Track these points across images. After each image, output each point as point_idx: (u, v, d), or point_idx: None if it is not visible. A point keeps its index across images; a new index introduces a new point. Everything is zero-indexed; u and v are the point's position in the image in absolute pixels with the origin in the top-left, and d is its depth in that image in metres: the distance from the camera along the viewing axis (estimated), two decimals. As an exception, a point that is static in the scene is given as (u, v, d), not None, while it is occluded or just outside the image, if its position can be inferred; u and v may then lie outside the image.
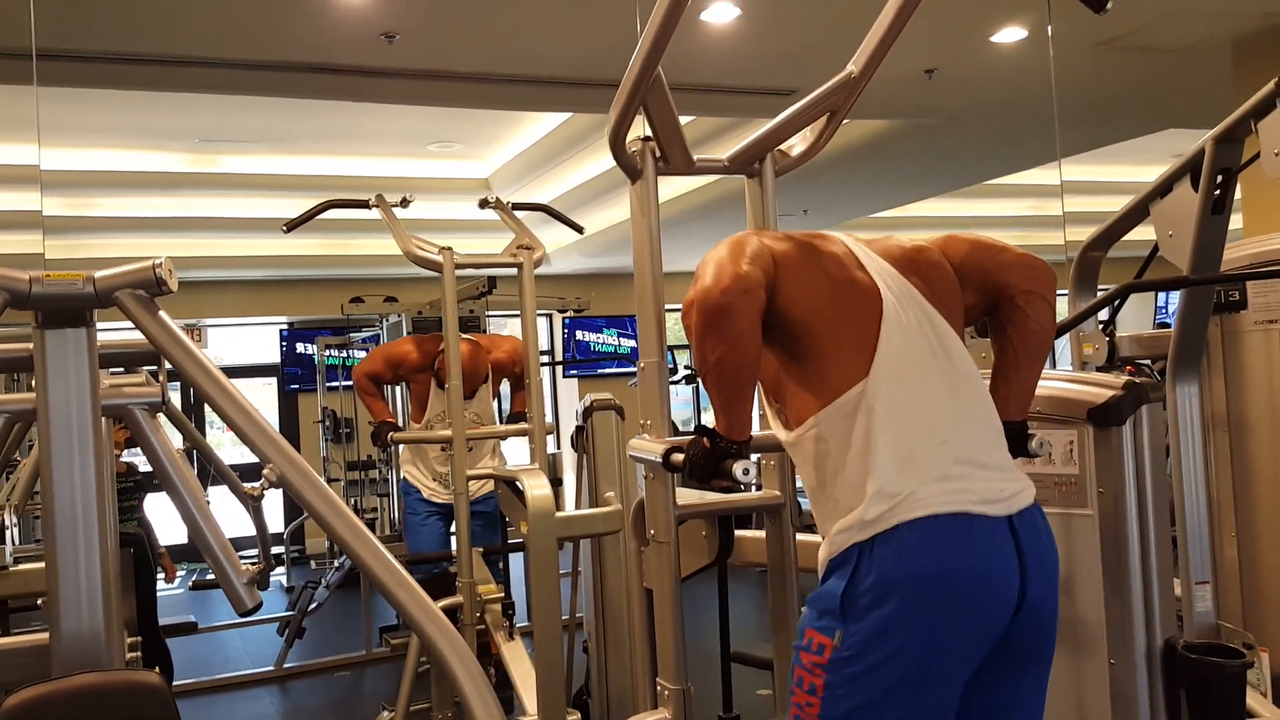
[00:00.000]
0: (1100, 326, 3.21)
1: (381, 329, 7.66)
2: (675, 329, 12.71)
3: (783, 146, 2.22)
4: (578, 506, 3.71)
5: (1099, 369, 3.15)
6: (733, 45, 4.43)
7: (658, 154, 2.05)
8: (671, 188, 7.72)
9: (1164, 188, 2.69)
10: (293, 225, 3.98)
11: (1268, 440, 2.97)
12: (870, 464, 1.51)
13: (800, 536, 2.31)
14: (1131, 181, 7.43)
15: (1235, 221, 5.03)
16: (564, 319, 10.78)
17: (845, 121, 6.99)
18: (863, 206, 9.07)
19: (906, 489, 1.49)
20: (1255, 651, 2.65)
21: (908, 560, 1.45)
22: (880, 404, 1.54)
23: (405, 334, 6.95)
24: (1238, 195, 4.74)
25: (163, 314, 1.53)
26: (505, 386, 5.00)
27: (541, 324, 11.44)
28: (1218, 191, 2.51)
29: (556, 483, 6.07)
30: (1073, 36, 4.28)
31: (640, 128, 2.02)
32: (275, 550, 8.16)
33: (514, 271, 3.64)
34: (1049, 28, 4.13)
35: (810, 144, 2.21)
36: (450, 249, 3.50)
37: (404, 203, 3.90)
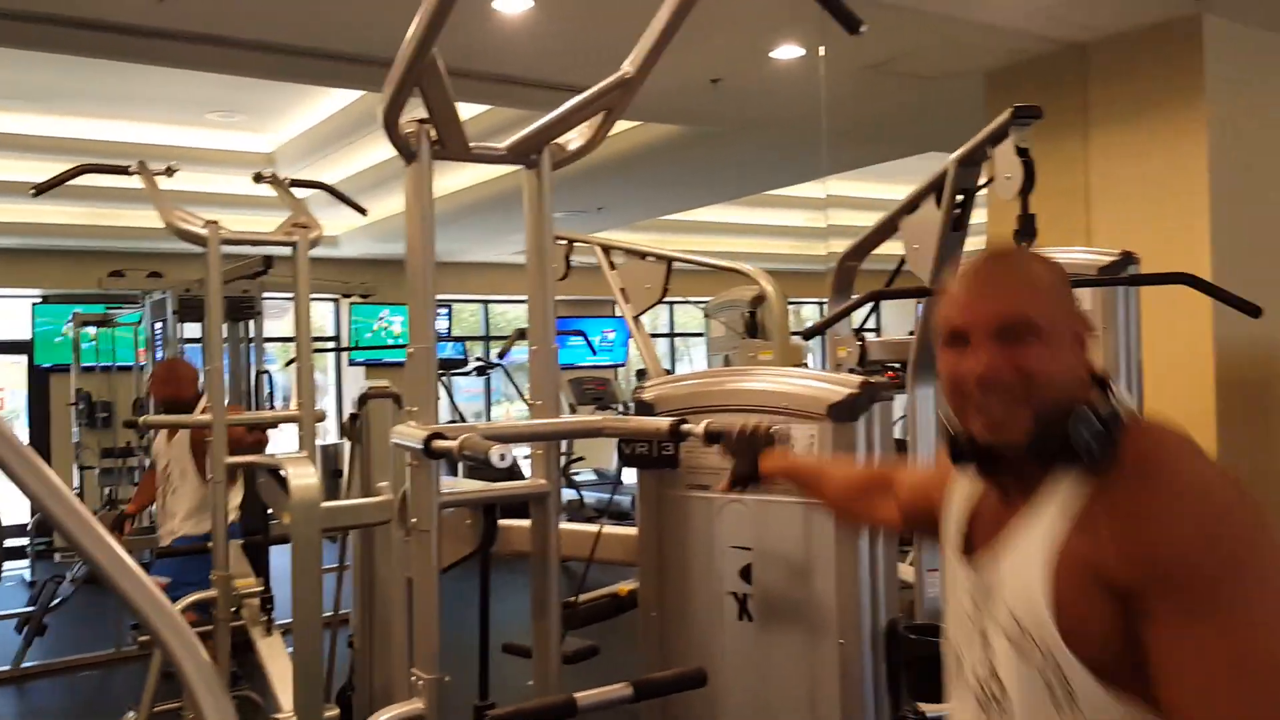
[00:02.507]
0: (853, 332, 3.44)
1: (144, 306, 7.19)
2: (471, 320, 12.66)
3: (561, 140, 2.25)
4: (348, 497, 3.62)
5: (851, 370, 3.38)
6: (525, 37, 4.44)
7: (433, 137, 2.04)
8: (470, 175, 7.66)
9: (911, 205, 2.90)
10: (42, 188, 3.69)
11: (994, 440, 3.25)
12: None
13: (564, 525, 2.36)
14: (896, 199, 7.96)
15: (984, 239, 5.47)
16: (350, 304, 10.46)
17: (638, 124, 7.13)
18: (654, 208, 9.29)
19: None
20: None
21: None
22: None
23: (171, 312, 6.58)
24: (984, 216, 5.18)
25: None
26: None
27: (326, 309, 11.08)
28: (958, 210, 2.72)
29: (337, 474, 5.88)
30: (843, 59, 4.55)
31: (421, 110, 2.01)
32: (17, 543, 7.53)
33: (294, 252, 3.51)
34: (821, 49, 4.37)
35: (588, 139, 2.26)
36: (216, 223, 3.33)
37: (169, 171, 3.69)
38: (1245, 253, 4.18)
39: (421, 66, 1.83)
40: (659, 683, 1.85)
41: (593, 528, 2.49)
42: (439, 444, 1.78)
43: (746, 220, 10.28)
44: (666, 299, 4.02)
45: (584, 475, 9.90)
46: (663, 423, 2.00)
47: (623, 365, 11.81)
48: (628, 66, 2.10)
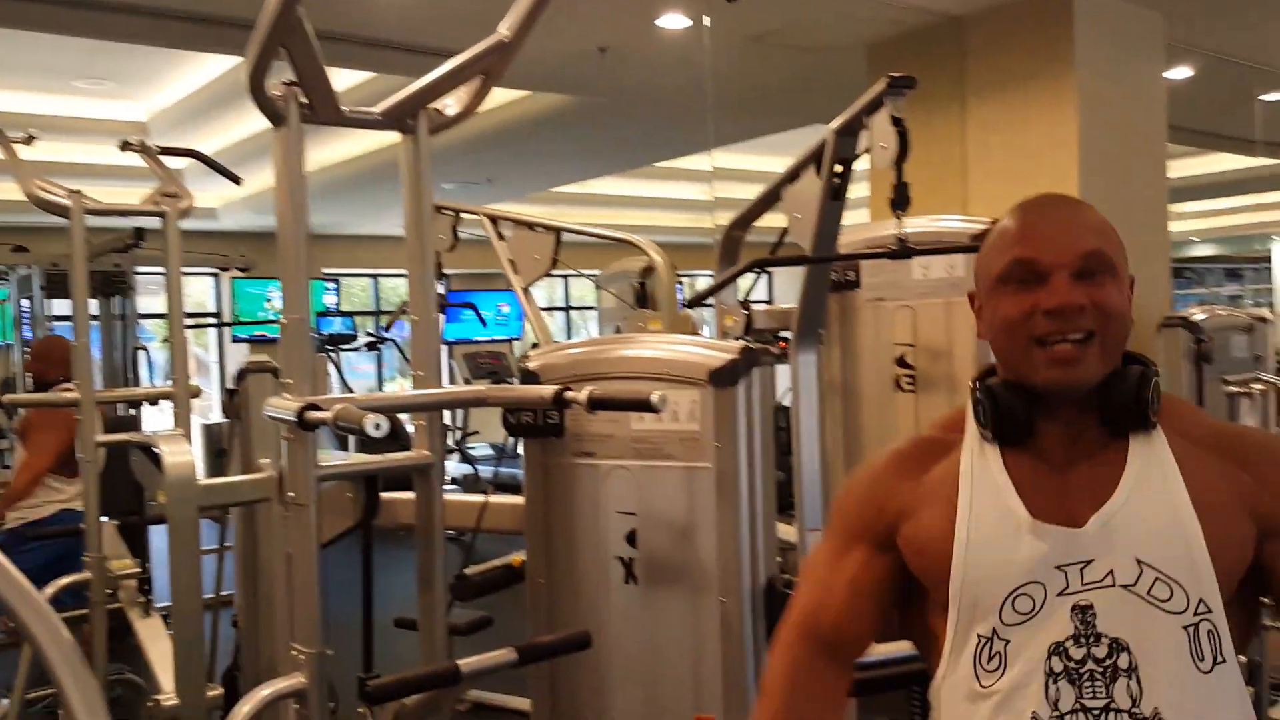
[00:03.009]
0: (740, 302, 3.49)
1: (10, 282, 6.84)
2: (361, 295, 12.37)
3: (438, 105, 2.21)
4: (228, 474, 3.53)
5: (738, 338, 3.43)
6: (402, 1, 4.34)
7: (303, 101, 1.98)
8: (357, 145, 7.47)
9: (793, 174, 2.95)
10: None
11: (874, 404, 3.35)
12: None
13: (450, 496, 2.34)
14: (781, 172, 8.09)
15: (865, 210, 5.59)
16: (231, 279, 10.13)
17: (527, 93, 7.03)
18: (545, 180, 9.23)
19: None
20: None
21: None
22: None
23: (38, 288, 6.28)
24: (868, 187, 5.29)
25: None
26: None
27: (208, 284, 10.71)
28: (837, 179, 2.77)
29: (223, 453, 5.71)
30: (729, 29, 4.58)
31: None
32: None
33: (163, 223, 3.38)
34: (706, 18, 4.39)
35: (466, 104, 2.23)
36: (79, 193, 3.18)
37: (28, 139, 3.51)
38: (1112, 220, 4.37)
39: (286, 27, 1.77)
40: (543, 647, 1.86)
41: (479, 498, 2.47)
42: (313, 415, 1.75)
43: (638, 193, 10.29)
44: (560, 272, 4.02)
45: (481, 449, 9.83)
46: (546, 390, 2.00)
47: (518, 339, 11.75)
48: (504, 30, 2.07)
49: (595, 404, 1.90)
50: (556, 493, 2.25)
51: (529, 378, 2.25)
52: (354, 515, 2.13)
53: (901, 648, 2.22)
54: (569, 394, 1.93)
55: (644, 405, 1.83)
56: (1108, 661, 1.09)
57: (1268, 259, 15.29)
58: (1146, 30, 4.69)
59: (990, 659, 1.13)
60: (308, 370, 1.95)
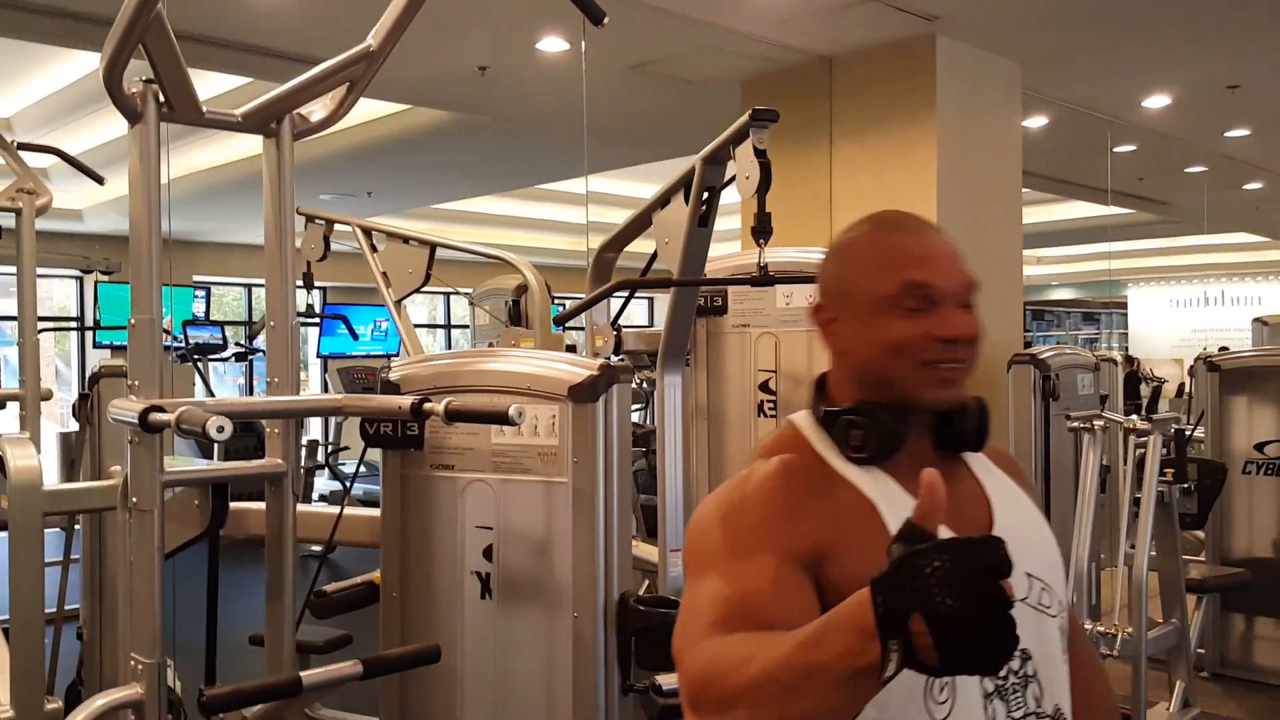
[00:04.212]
0: (610, 323, 3.53)
1: None
2: (234, 304, 11.97)
3: (303, 111, 2.20)
4: (77, 480, 3.39)
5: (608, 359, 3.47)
6: (273, 6, 4.27)
7: (161, 99, 1.95)
8: (232, 150, 7.27)
9: (663, 200, 3.02)
10: None
11: (738, 428, 3.43)
12: None
13: (301, 507, 2.31)
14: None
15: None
16: (96, 282, 9.70)
17: (407, 108, 6.95)
18: (426, 196, 9.16)
19: None
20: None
21: None
22: None
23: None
24: (739, 217, 5.41)
25: None
26: None
27: (70, 286, 10.22)
28: (704, 206, 2.85)
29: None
30: (607, 57, 4.65)
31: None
32: None
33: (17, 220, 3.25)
34: (583, 43, 4.45)
35: (331, 112, 2.22)
36: (-76, 185, 3.04)
37: None
38: (968, 260, 4.59)
39: (145, 23, 1.74)
40: (390, 660, 1.85)
41: (333, 509, 2.44)
42: (157, 417, 1.71)
43: (519, 213, 10.31)
44: (435, 288, 4.00)
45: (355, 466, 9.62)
46: (404, 401, 1.99)
47: (395, 355, 11.56)
48: (371, 39, 2.08)
49: (453, 415, 1.90)
50: (414, 505, 2.24)
51: (389, 388, 2.25)
52: (200, 524, 2.08)
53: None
54: (427, 405, 1.94)
55: (501, 418, 1.85)
56: (1021, 672, 1.12)
57: (1124, 305, 16.20)
58: (1005, 79, 4.96)
59: (941, 690, 1.09)
60: (155, 373, 1.91)
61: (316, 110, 2.20)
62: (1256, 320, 8.07)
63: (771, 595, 1.06)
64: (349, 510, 2.40)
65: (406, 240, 4.08)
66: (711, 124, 2.67)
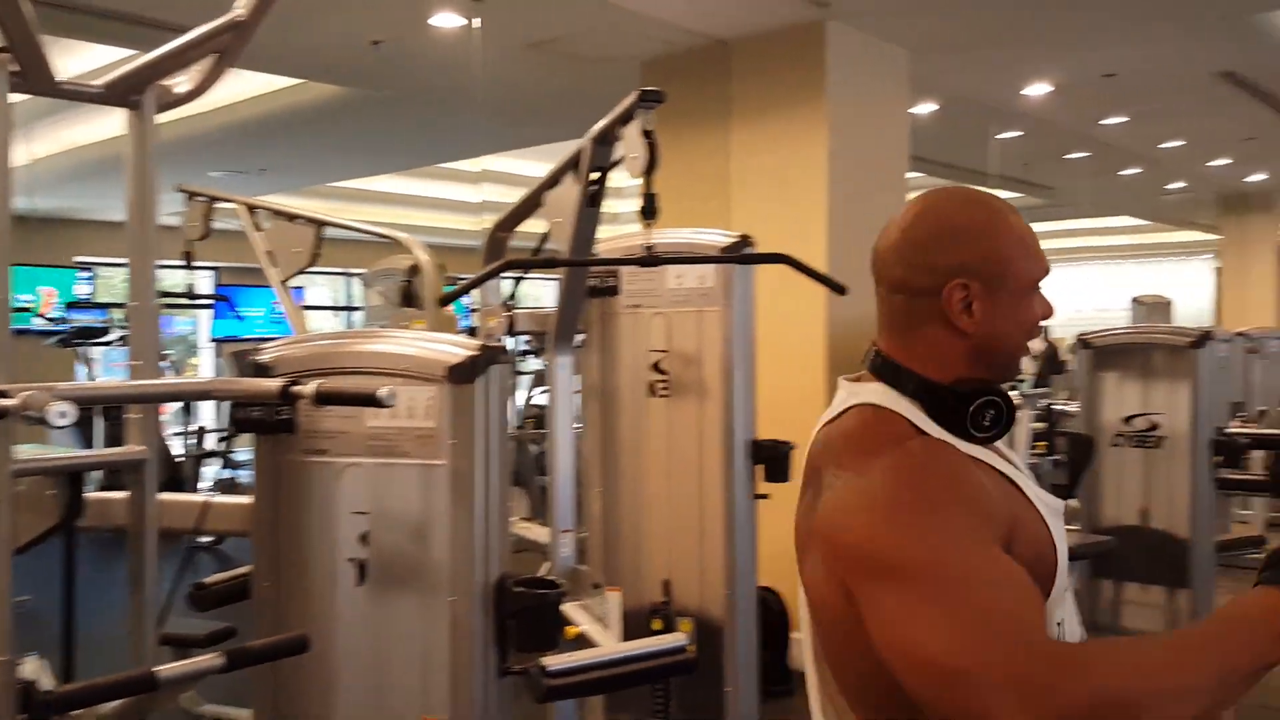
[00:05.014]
0: (503, 303, 3.50)
1: None
2: (123, 286, 11.47)
3: (168, 83, 2.12)
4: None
5: (500, 340, 3.43)
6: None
7: (13, 68, 1.85)
8: (115, 125, 6.96)
9: (553, 180, 3.00)
10: None
11: (630, 409, 3.43)
12: None
13: (171, 496, 2.23)
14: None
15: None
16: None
17: (300, 82, 6.72)
18: (320, 174, 8.93)
19: None
20: (605, 590, 3.07)
21: None
22: None
23: None
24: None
25: None
26: None
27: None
28: (594, 186, 2.83)
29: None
30: (504, 34, 4.59)
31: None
32: None
33: None
34: (476, 20, 4.38)
35: (198, 84, 2.14)
36: None
37: None
38: (856, 242, 4.66)
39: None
40: (255, 651, 1.80)
41: (201, 497, 2.36)
42: (5, 403, 1.62)
43: (418, 192, 10.14)
44: (324, 268, 3.91)
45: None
46: (272, 384, 1.93)
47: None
48: (240, 8, 2.01)
49: (323, 398, 1.86)
50: (286, 492, 2.18)
51: (260, 371, 2.18)
52: (55, 515, 1.99)
53: (660, 641, 2.30)
54: (296, 388, 1.88)
55: (373, 400, 1.81)
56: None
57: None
58: (893, 66, 5.04)
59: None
60: (3, 355, 1.82)
61: (183, 82, 2.11)
62: (1135, 300, 8.44)
63: (1027, 585, 1.03)
64: (220, 498, 2.32)
65: (293, 218, 3.98)
66: (612, 104, 2.66)
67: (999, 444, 1.21)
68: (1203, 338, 4.48)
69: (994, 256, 1.16)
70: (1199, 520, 4.34)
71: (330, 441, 2.14)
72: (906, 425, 1.15)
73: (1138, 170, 9.35)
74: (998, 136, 7.32)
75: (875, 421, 1.16)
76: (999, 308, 1.15)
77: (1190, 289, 16.56)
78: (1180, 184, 10.32)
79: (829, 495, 1.13)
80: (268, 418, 2.12)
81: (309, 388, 1.88)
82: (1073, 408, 4.73)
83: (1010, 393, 1.27)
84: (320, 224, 3.96)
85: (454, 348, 2.10)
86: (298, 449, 2.17)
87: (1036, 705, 0.89)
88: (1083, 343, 4.74)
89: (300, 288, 10.41)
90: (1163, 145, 8.25)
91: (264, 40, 2.06)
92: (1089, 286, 17.62)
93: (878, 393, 1.19)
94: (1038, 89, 6.22)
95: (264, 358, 2.21)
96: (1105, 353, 4.68)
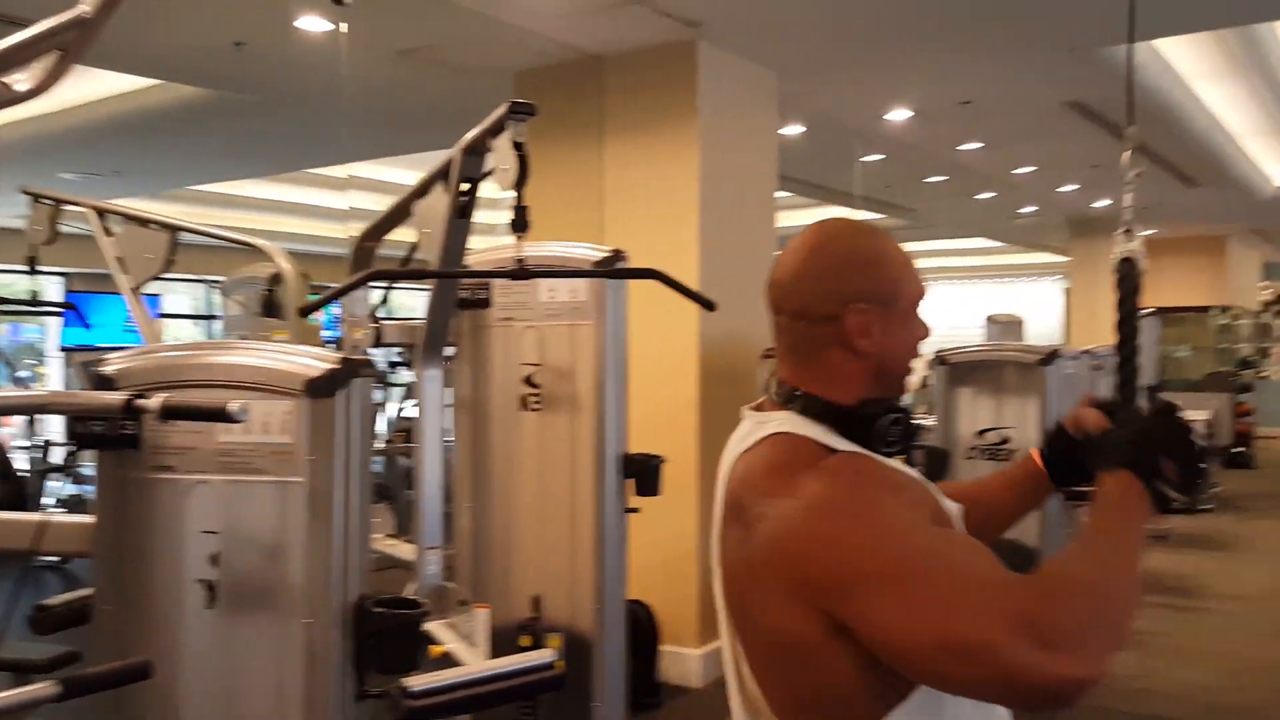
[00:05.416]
0: (369, 315, 3.42)
1: None
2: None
3: (7, 80, 1.99)
4: None
5: (366, 352, 3.35)
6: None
7: None
8: None
9: (423, 190, 2.95)
10: None
11: (500, 423, 3.40)
12: None
13: (4, 515, 2.10)
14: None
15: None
16: None
17: (159, 82, 6.47)
18: (181, 177, 8.59)
19: None
20: (472, 607, 3.02)
21: None
22: None
23: None
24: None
25: None
26: None
27: None
28: (464, 197, 2.80)
29: None
30: (373, 40, 4.50)
31: None
32: None
33: None
34: (343, 25, 4.29)
35: (39, 82, 2.01)
36: None
37: None
38: (727, 258, 4.74)
39: None
40: (95, 678, 1.70)
41: (37, 516, 2.23)
42: None
43: (284, 198, 9.85)
44: (179, 275, 3.75)
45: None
46: (115, 398, 1.84)
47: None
48: (85, 6, 1.90)
49: (169, 413, 1.77)
50: (131, 510, 2.07)
51: (104, 383, 2.07)
52: None
53: (528, 658, 2.27)
54: (140, 401, 1.79)
55: (222, 415, 1.74)
56: None
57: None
58: (762, 87, 5.15)
59: None
60: None
61: (23, 80, 1.99)
62: (989, 319, 8.81)
63: (978, 544, 1.15)
64: (59, 517, 2.19)
65: (145, 223, 3.81)
66: (484, 114, 2.64)
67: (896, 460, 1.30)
68: (1050, 355, 4.72)
69: (886, 280, 1.25)
70: (1048, 529, 4.56)
71: (178, 458, 2.05)
72: (820, 447, 1.21)
73: (992, 194, 9.79)
74: (862, 159, 7.56)
75: (791, 447, 1.22)
76: (891, 328, 1.24)
77: (1041, 308, 17.44)
78: (1032, 208, 10.84)
79: (768, 525, 1.15)
80: (110, 433, 2.02)
81: (154, 402, 1.79)
82: (929, 422, 4.92)
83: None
84: (175, 229, 3.79)
85: (313, 360, 2.04)
86: (143, 465, 2.07)
87: (1051, 641, 0.99)
88: (939, 360, 4.93)
89: (156, 295, 9.99)
90: (1016, 170, 8.66)
91: (119, 39, 1.98)
92: (946, 306, 18.36)
93: (787, 420, 1.25)
94: (899, 114, 6.45)
95: (108, 369, 2.11)
96: (960, 369, 4.87)
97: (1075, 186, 9.58)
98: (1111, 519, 1.13)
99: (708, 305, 2.79)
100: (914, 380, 1.38)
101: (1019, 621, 0.99)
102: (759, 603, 1.16)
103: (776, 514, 1.14)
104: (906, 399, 1.39)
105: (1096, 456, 1.22)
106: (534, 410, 3.38)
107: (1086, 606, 1.03)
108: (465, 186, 2.80)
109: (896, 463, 1.26)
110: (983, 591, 1.03)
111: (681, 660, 4.64)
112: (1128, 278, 1.29)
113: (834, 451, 1.20)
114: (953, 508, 1.27)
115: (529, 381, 3.38)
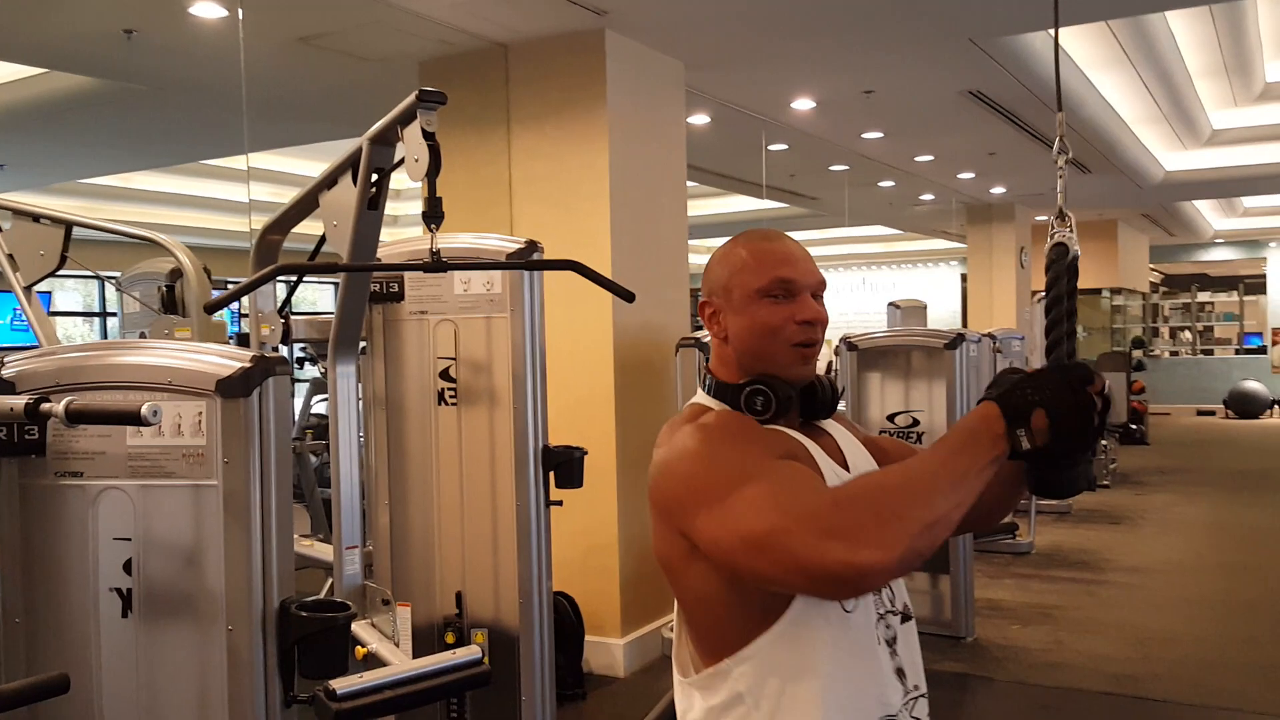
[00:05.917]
0: (278, 310, 3.33)
1: None
2: None
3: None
4: None
5: (275, 349, 3.27)
6: None
7: None
8: None
9: (330, 181, 2.87)
10: None
11: (417, 418, 3.35)
12: None
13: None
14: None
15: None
16: None
17: (44, 71, 6.20)
18: (71, 170, 8.24)
19: None
20: (394, 606, 2.98)
21: None
22: None
23: None
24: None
25: None
26: None
27: None
28: (373, 189, 2.74)
29: None
30: (270, 27, 4.37)
31: None
32: None
33: None
34: (240, 11, 4.16)
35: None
36: None
37: None
38: (638, 248, 4.75)
39: None
40: (10, 695, 1.63)
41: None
42: None
43: (180, 190, 9.53)
44: (72, 271, 3.60)
45: None
46: (15, 401, 1.76)
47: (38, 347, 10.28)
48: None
49: (75, 416, 1.70)
50: (37, 519, 1.99)
51: (3, 387, 1.97)
52: None
53: (454, 655, 2.24)
54: (45, 405, 1.72)
55: (133, 418, 1.67)
56: (903, 615, 1.45)
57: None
58: (669, 76, 5.17)
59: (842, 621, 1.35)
60: None
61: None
62: (892, 304, 9.02)
63: (810, 471, 1.32)
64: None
65: (37, 218, 3.64)
66: (389, 103, 2.58)
67: (836, 430, 1.51)
68: (956, 339, 4.85)
69: (722, 277, 1.46)
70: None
71: (86, 463, 1.97)
72: (703, 409, 1.46)
73: (893, 183, 10.01)
74: (768, 148, 7.64)
75: (688, 411, 1.47)
76: (732, 316, 1.43)
77: (941, 293, 17.91)
78: (930, 196, 11.13)
79: (650, 468, 1.38)
80: (13, 438, 1.93)
81: (59, 405, 1.72)
82: (841, 406, 5.00)
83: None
84: (68, 224, 3.64)
85: (224, 359, 1.98)
86: (49, 471, 1.98)
87: (831, 530, 1.13)
88: (848, 344, 5.02)
89: (47, 293, 9.55)
90: (916, 159, 8.87)
91: (2, 26, 1.88)
92: (850, 291, 18.72)
93: (698, 395, 1.50)
94: (803, 104, 6.54)
95: (7, 372, 2.01)
96: (869, 354, 4.97)
97: (972, 175, 9.85)
98: (951, 440, 1.21)
99: (627, 296, 2.79)
100: (818, 362, 1.47)
101: (806, 515, 1.15)
102: (654, 532, 1.38)
103: (655, 459, 1.38)
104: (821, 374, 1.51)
105: (991, 386, 1.31)
106: (451, 404, 3.34)
107: (876, 501, 1.15)
108: (375, 177, 2.74)
109: (780, 426, 1.41)
110: (788, 498, 1.20)
111: (606, 650, 4.66)
112: (1057, 261, 1.34)
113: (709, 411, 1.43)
114: (843, 474, 1.41)
115: (445, 375, 3.33)
